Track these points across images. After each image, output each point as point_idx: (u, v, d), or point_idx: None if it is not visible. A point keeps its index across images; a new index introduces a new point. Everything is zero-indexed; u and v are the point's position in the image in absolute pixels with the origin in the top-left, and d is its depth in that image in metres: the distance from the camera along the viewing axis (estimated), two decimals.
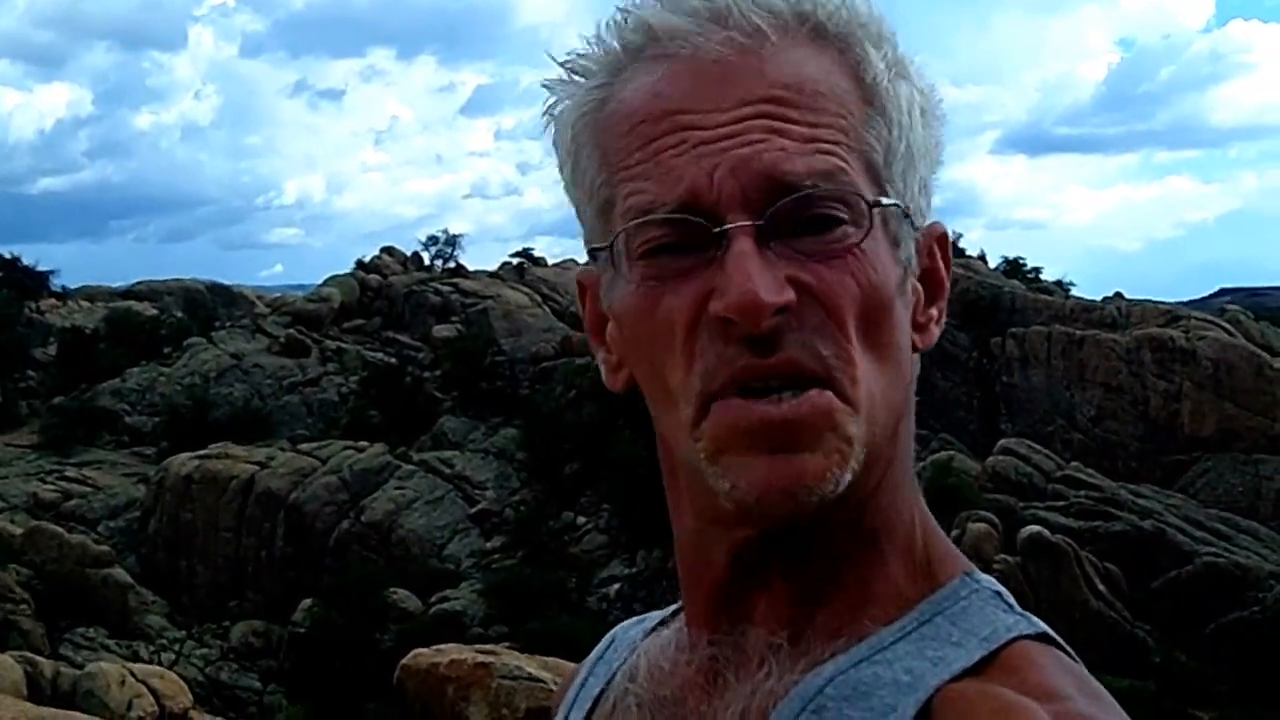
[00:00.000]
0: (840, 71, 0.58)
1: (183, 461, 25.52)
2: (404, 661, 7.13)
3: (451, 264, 35.81)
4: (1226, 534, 23.03)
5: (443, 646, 7.57)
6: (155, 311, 35.99)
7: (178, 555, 24.92)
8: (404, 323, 33.55)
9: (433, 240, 36.45)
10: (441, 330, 31.96)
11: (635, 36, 0.59)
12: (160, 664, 16.49)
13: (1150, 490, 24.30)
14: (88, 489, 26.57)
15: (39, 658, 11.16)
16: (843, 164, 0.56)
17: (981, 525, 20.81)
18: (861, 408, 0.56)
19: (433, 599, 22.52)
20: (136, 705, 9.17)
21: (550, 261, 38.78)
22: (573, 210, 0.63)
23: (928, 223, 0.61)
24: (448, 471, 25.92)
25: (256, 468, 25.32)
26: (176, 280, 42.12)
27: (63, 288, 39.49)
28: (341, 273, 35.60)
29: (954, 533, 20.23)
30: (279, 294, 43.88)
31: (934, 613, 0.58)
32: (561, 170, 0.63)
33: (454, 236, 36.72)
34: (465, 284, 34.46)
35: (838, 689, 0.56)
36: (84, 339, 32.33)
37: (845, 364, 0.55)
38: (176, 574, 24.77)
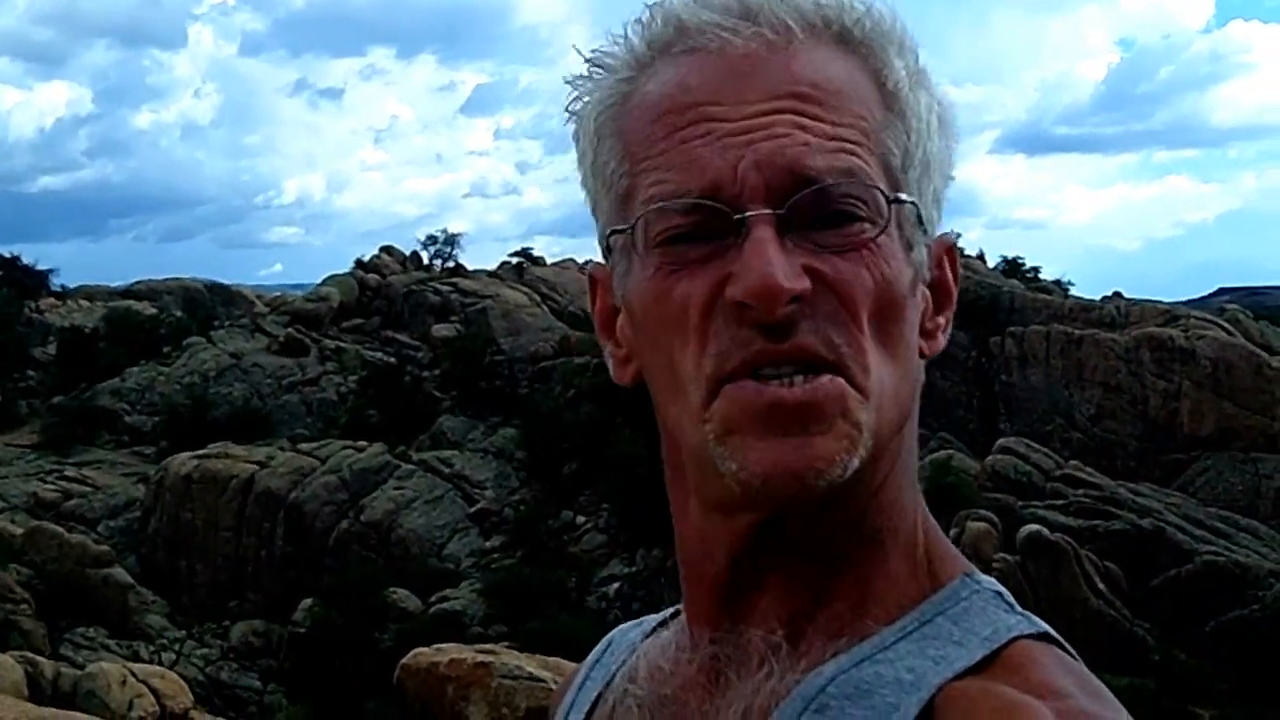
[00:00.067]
0: (863, 75, 0.59)
1: (182, 461, 25.52)
2: (404, 661, 7.13)
3: (451, 263, 35.80)
4: (1226, 532, 23.05)
5: (442, 646, 7.57)
6: (154, 311, 35.97)
7: (178, 555, 24.92)
8: (403, 322, 33.54)
9: (432, 240, 36.49)
10: (441, 330, 31.96)
11: (663, 31, 0.59)
12: (161, 664, 16.49)
13: (1149, 489, 24.32)
14: (88, 489, 26.56)
15: (39, 658, 11.16)
16: (863, 163, 0.57)
17: (981, 524, 20.83)
18: (872, 396, 0.56)
19: (432, 598, 22.53)
20: (137, 705, 9.17)
21: (549, 261, 38.77)
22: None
23: (938, 233, 0.62)
24: (447, 471, 25.92)
25: (256, 467, 25.32)
26: (176, 279, 42.11)
27: (62, 287, 39.48)
28: (341, 272, 35.59)
29: (953, 532, 20.26)
30: (278, 293, 43.87)
31: (935, 612, 0.59)
32: (580, 163, 0.63)
33: (453, 236, 36.77)
34: (464, 283, 34.45)
35: (840, 688, 0.56)
36: (83, 338, 32.31)
37: (857, 353, 0.56)
38: (176, 574, 24.77)
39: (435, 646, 7.47)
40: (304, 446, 26.54)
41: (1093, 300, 31.75)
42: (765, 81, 0.57)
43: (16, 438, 28.96)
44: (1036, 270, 34.66)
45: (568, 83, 0.62)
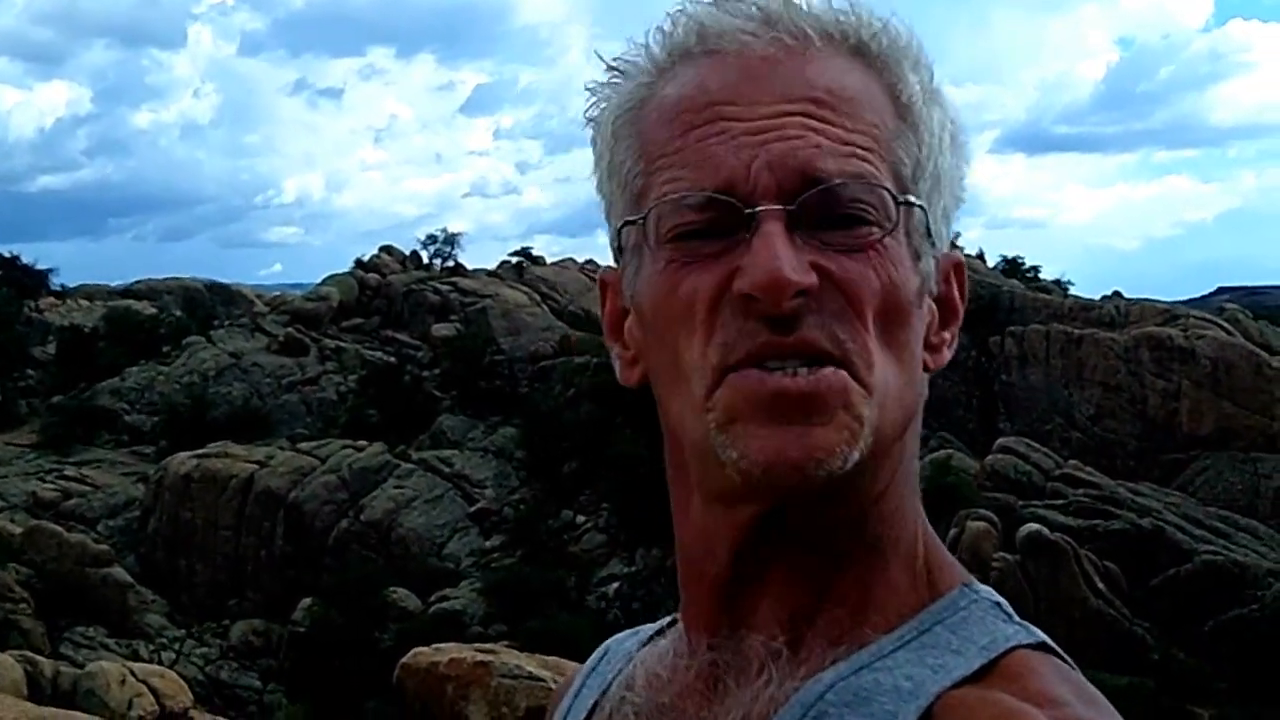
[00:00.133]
0: (877, 87, 0.60)
1: (182, 460, 25.51)
2: (403, 660, 7.13)
3: (450, 263, 35.80)
4: (1225, 532, 23.06)
5: (442, 645, 7.57)
6: (154, 310, 35.97)
7: (177, 554, 24.92)
8: (403, 322, 33.54)
9: (431, 239, 36.49)
10: (440, 329, 31.96)
11: (684, 38, 0.61)
12: (160, 663, 16.49)
13: (1149, 488, 24.33)
14: (87, 488, 26.56)
15: (39, 657, 11.16)
16: (873, 169, 0.58)
17: (980, 524, 20.82)
18: (875, 393, 0.56)
19: (432, 598, 22.53)
20: (137, 704, 9.17)
21: (549, 260, 38.78)
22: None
23: (945, 249, 0.63)
24: (447, 470, 25.92)
25: (256, 467, 25.32)
26: (175, 279, 42.10)
27: (62, 286, 39.48)
28: (340, 271, 35.58)
29: (953, 531, 20.26)
30: (278, 293, 43.86)
31: (934, 622, 0.59)
32: (597, 166, 0.64)
33: (453, 235, 36.77)
34: (464, 283, 34.45)
35: (838, 695, 0.57)
36: (83, 338, 32.30)
37: (861, 350, 0.56)
38: (176, 573, 24.77)
39: (435, 646, 7.47)
40: (304, 446, 26.54)
41: (1092, 300, 31.76)
42: (781, 84, 0.58)
43: (16, 437, 28.95)
44: (1036, 270, 34.71)
45: (588, 89, 0.63)
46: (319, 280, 35.92)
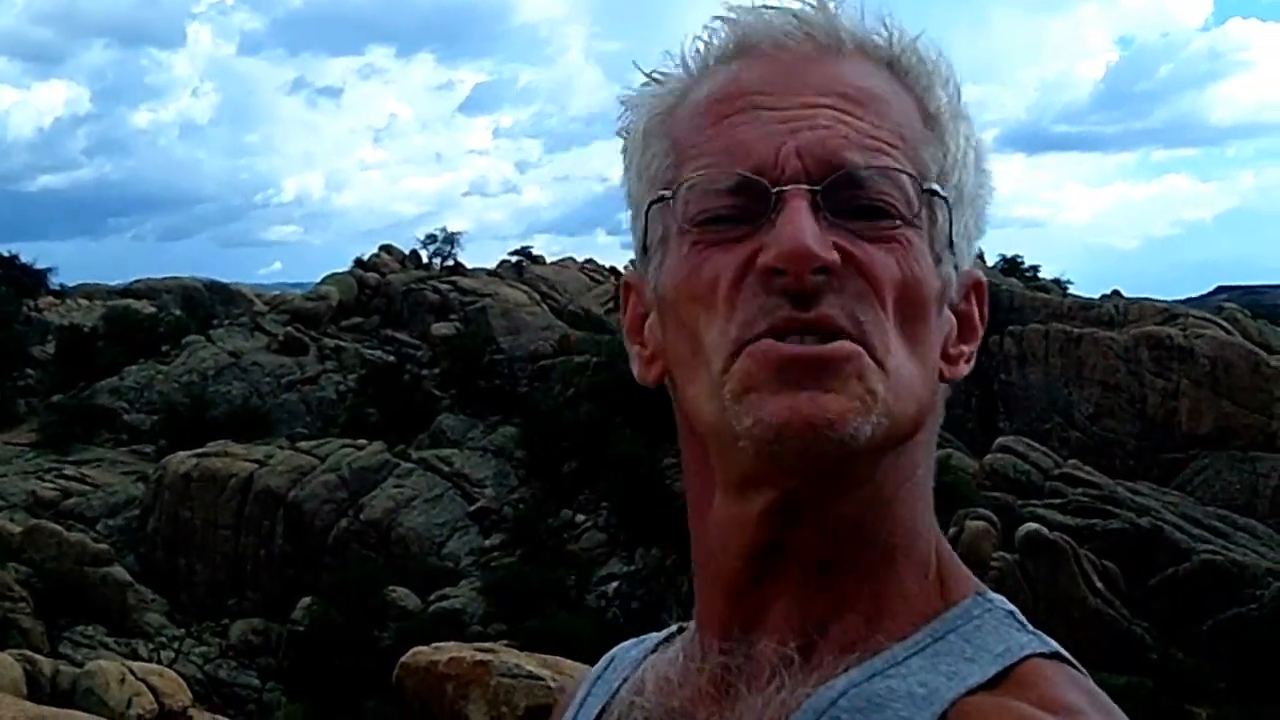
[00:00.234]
0: (907, 96, 0.62)
1: (181, 460, 25.51)
2: (403, 659, 7.13)
3: (450, 262, 35.80)
4: (1224, 531, 23.07)
5: (442, 644, 7.58)
6: (153, 309, 35.95)
7: (177, 553, 24.92)
8: (402, 321, 33.53)
9: (431, 238, 36.49)
10: (440, 328, 31.95)
11: (722, 42, 0.63)
12: (159, 662, 16.49)
13: (1148, 488, 24.34)
14: (86, 487, 26.55)
15: (38, 656, 11.15)
16: (899, 164, 0.59)
17: (979, 523, 20.83)
18: (890, 374, 0.57)
19: (432, 597, 22.53)
20: (136, 703, 9.17)
21: (549, 260, 38.78)
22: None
23: (967, 267, 0.63)
24: (446, 469, 25.92)
25: (255, 466, 25.32)
26: (175, 278, 42.08)
27: (61, 286, 39.46)
28: (340, 270, 35.58)
29: (951, 531, 20.25)
30: (277, 292, 43.86)
31: (947, 630, 0.59)
32: (626, 174, 0.64)
33: (452, 234, 36.77)
34: (464, 282, 34.44)
35: (851, 701, 0.56)
36: (82, 337, 32.28)
37: (879, 332, 0.57)
38: (175, 572, 24.76)
39: (434, 645, 7.47)
40: (303, 445, 26.53)
41: (1091, 299, 31.77)
42: (813, 79, 0.60)
43: (15, 436, 28.94)
44: (1035, 269, 34.71)
45: (621, 102, 0.65)
46: (318, 279, 35.91)
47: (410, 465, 25.77)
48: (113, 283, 42.18)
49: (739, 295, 0.57)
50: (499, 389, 28.79)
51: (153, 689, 9.39)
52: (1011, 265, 34.03)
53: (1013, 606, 0.62)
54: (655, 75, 0.64)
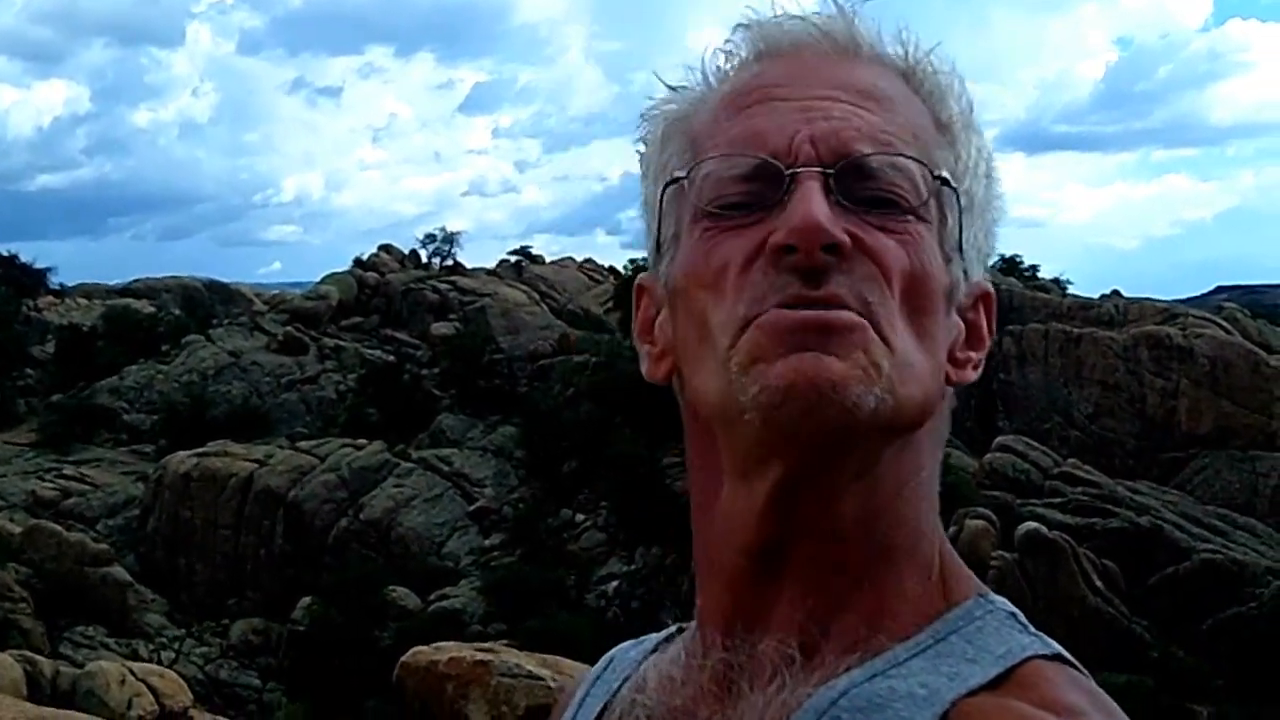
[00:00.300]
0: (920, 104, 0.63)
1: (181, 459, 25.51)
2: (403, 659, 7.13)
3: (449, 261, 35.82)
4: (1223, 530, 23.09)
5: (442, 644, 7.58)
6: (153, 309, 35.95)
7: (177, 553, 24.92)
8: (402, 320, 33.54)
9: (431, 238, 36.51)
10: (439, 328, 31.96)
11: (741, 47, 0.64)
12: (160, 662, 16.50)
13: (1147, 487, 24.35)
14: (86, 487, 26.55)
15: (38, 657, 11.15)
16: (910, 154, 0.60)
17: (979, 522, 20.84)
18: (896, 353, 0.57)
19: (432, 596, 22.54)
20: (136, 704, 9.17)
21: (548, 259, 38.79)
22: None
23: (977, 277, 0.64)
24: (446, 469, 25.92)
25: (255, 466, 25.32)
26: (174, 278, 42.09)
27: (60, 285, 39.45)
28: (340, 270, 35.58)
29: (951, 530, 20.12)
30: (277, 291, 43.88)
31: (949, 631, 0.59)
32: (643, 179, 0.65)
33: (452, 234, 36.81)
34: (463, 281, 34.45)
35: (852, 701, 0.57)
36: (82, 337, 32.28)
37: (887, 314, 0.57)
38: (176, 572, 24.76)
39: (434, 645, 7.47)
40: (303, 445, 26.54)
41: (1091, 298, 31.78)
42: (829, 76, 0.61)
43: (15, 436, 28.94)
44: (1035, 268, 34.71)
45: (641, 116, 0.66)
46: (318, 279, 35.92)
47: (410, 465, 25.77)
48: (112, 282, 42.22)
49: (749, 277, 0.58)
50: (499, 389, 28.79)
51: (153, 690, 9.39)
52: (1011, 265, 34.03)
53: (1014, 608, 0.62)
54: (676, 87, 0.65)
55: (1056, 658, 0.59)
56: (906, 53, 0.63)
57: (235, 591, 24.23)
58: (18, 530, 22.75)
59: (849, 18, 0.63)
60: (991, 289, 0.65)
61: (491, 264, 37.09)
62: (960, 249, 0.61)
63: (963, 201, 0.61)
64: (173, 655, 21.17)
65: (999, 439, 24.95)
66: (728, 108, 0.62)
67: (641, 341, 0.65)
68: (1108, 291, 33.47)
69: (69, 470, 27.08)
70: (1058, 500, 22.77)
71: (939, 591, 0.61)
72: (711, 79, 0.64)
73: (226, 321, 34.34)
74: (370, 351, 31.67)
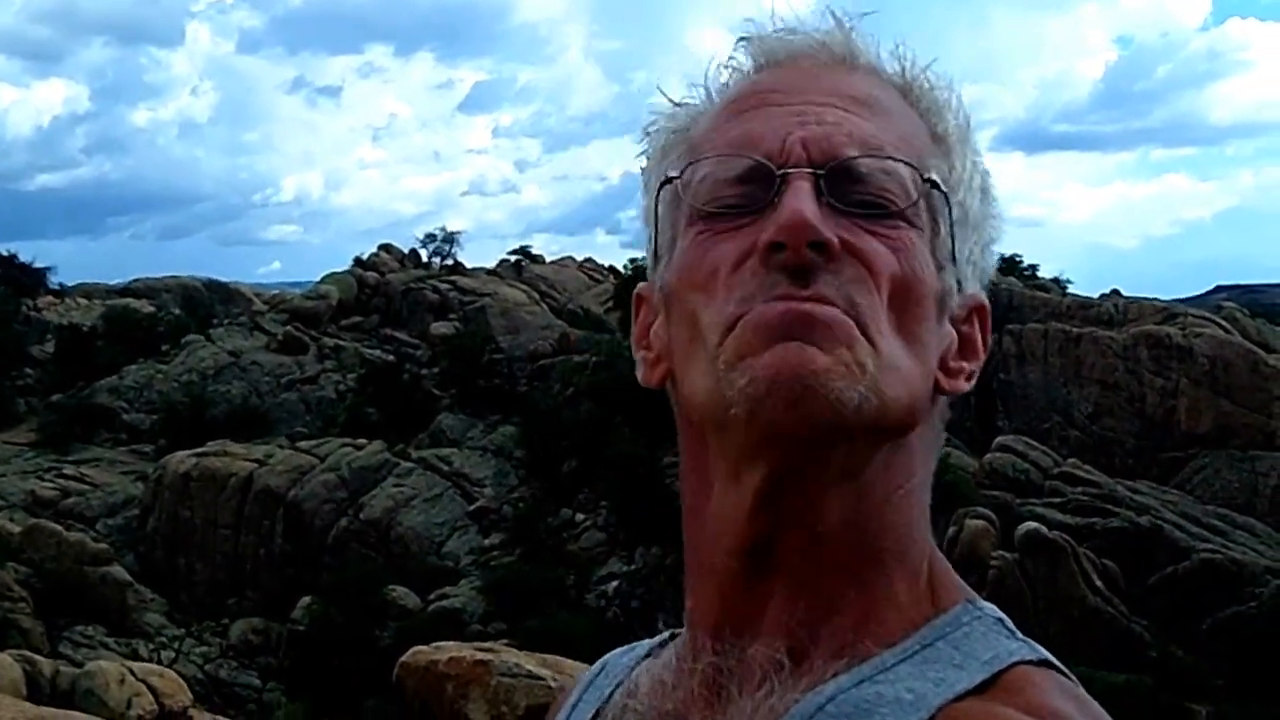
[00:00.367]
0: (916, 116, 0.64)
1: (181, 459, 25.51)
2: (403, 659, 7.13)
3: (449, 261, 35.82)
4: (1223, 530, 23.10)
5: (442, 644, 7.58)
6: (153, 309, 35.96)
7: (176, 553, 24.92)
8: (402, 320, 33.54)
9: (431, 237, 36.52)
10: (439, 327, 31.96)
11: (743, 60, 0.65)
12: (159, 662, 16.49)
13: (1147, 487, 24.36)
14: (86, 487, 26.55)
15: (38, 656, 11.15)
16: (900, 157, 0.61)
17: (979, 522, 20.85)
18: (882, 354, 0.57)
19: (432, 596, 22.54)
20: (136, 704, 9.17)
21: (548, 259, 38.79)
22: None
23: (971, 289, 0.64)
24: (446, 469, 25.92)
25: (255, 465, 25.32)
26: (174, 277, 42.10)
27: (60, 285, 39.45)
28: (339, 270, 35.59)
29: (951, 529, 20.27)
30: (277, 291, 43.89)
31: (936, 637, 0.59)
32: (644, 192, 0.66)
33: (452, 234, 36.82)
34: (463, 281, 34.46)
35: (838, 707, 0.57)
36: (81, 336, 32.29)
37: (873, 316, 0.58)
38: (175, 572, 24.77)
39: (434, 644, 7.47)
40: (303, 444, 26.54)
41: (1091, 298, 31.79)
42: (825, 83, 0.62)
43: (14, 436, 28.94)
44: (1034, 268, 34.71)
45: (644, 130, 0.67)
46: (318, 279, 35.92)
47: (410, 465, 25.77)
48: (112, 282, 42.25)
49: (738, 277, 0.58)
50: (498, 388, 28.80)
51: (153, 689, 9.39)
52: (1010, 264, 34.04)
53: (1002, 614, 0.62)
54: (678, 102, 0.66)
55: (1043, 663, 0.59)
56: (904, 67, 0.64)
57: (235, 591, 24.23)
58: (17, 530, 22.74)
59: (846, 31, 0.64)
60: (986, 302, 0.65)
61: (491, 264, 37.12)
62: (954, 259, 0.62)
63: (956, 213, 0.62)
64: (172, 655, 21.16)
65: (999, 439, 24.96)
66: (724, 113, 0.63)
67: (638, 348, 0.66)
68: (1107, 291, 33.48)
69: (69, 470, 27.08)
70: (1057, 500, 22.78)
71: (927, 597, 0.61)
72: (714, 94, 0.65)
73: (226, 321, 34.34)
74: (370, 351, 31.66)
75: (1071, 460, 24.50)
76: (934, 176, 0.60)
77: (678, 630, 0.67)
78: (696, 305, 0.59)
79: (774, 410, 0.56)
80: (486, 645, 8.19)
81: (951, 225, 0.61)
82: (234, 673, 22.12)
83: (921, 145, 0.62)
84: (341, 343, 32.12)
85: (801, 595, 0.60)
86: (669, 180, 0.62)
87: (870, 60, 0.64)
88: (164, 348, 32.01)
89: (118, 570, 22.68)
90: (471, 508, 25.11)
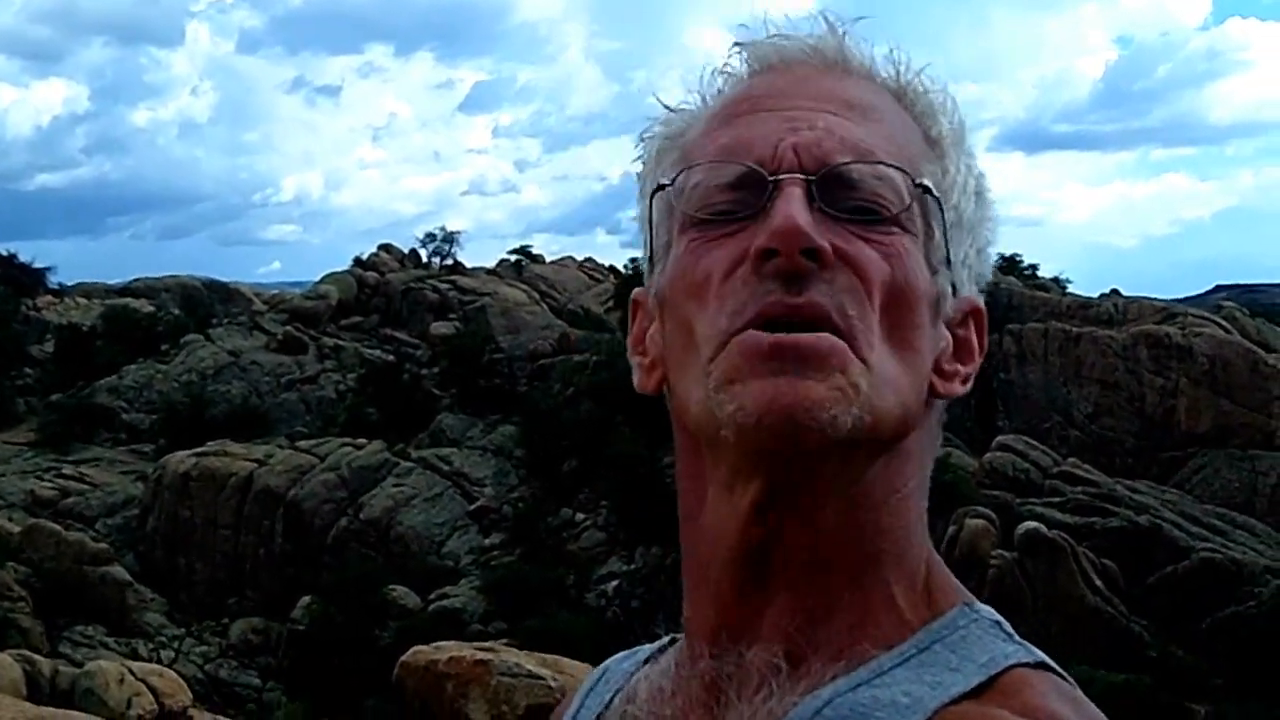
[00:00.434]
0: (910, 119, 0.64)
1: (180, 459, 25.50)
2: (403, 659, 7.14)
3: (449, 261, 35.82)
4: (1222, 529, 23.10)
5: (442, 644, 7.58)
6: (152, 309, 35.93)
7: (176, 553, 24.91)
8: (402, 320, 33.53)
9: (430, 237, 36.52)
10: (439, 327, 31.95)
11: (738, 66, 0.65)
12: (159, 662, 16.49)
13: (1146, 486, 24.36)
14: (85, 487, 26.54)
15: (38, 656, 11.15)
16: (892, 162, 0.60)
17: (979, 521, 20.85)
18: (874, 370, 0.57)
19: (431, 596, 22.54)
20: (135, 703, 9.17)
21: (548, 259, 38.79)
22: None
23: (967, 293, 0.64)
24: (446, 469, 25.92)
25: (255, 465, 25.31)
26: (173, 277, 42.08)
27: (60, 285, 39.42)
28: (339, 270, 35.58)
29: (951, 529, 20.27)
30: (276, 291, 43.88)
31: (933, 640, 0.59)
32: (640, 197, 0.66)
33: (452, 233, 36.81)
34: (463, 281, 34.45)
35: (836, 710, 0.57)
36: (81, 336, 32.28)
37: (866, 329, 0.57)
38: (175, 571, 24.76)
39: (434, 644, 7.48)
40: (303, 444, 26.53)
41: (1090, 298, 31.81)
42: (817, 88, 0.62)
43: (14, 435, 28.93)
44: (1034, 267, 34.74)
45: (640, 137, 0.67)
46: (318, 278, 35.91)
47: (410, 464, 25.77)
48: (111, 282, 42.21)
49: (731, 285, 0.58)
50: (498, 388, 28.79)
51: (152, 689, 9.39)
52: (1010, 264, 34.06)
53: (999, 617, 0.62)
54: (674, 108, 0.66)
55: (1040, 666, 0.59)
56: (898, 71, 0.64)
57: (235, 591, 24.23)
58: (17, 530, 22.74)
59: (839, 36, 0.64)
60: (982, 305, 0.65)
61: (491, 263, 37.11)
62: (948, 262, 0.61)
63: (950, 216, 0.61)
64: (172, 655, 21.16)
65: (998, 438, 24.96)
66: (717, 119, 0.63)
67: (634, 354, 0.66)
68: (1107, 290, 33.51)
69: (68, 470, 27.07)
70: (1057, 499, 22.78)
71: (924, 601, 0.61)
72: (708, 99, 0.65)
73: (226, 321, 34.33)
74: (370, 351, 31.66)
75: (1071, 460, 24.51)
76: (926, 182, 0.60)
77: (677, 635, 0.67)
78: (691, 313, 0.59)
79: (763, 440, 0.57)
80: (486, 645, 8.19)
81: (945, 229, 0.61)
82: (234, 672, 22.12)
83: (915, 149, 0.62)
84: (341, 343, 32.11)
85: (798, 601, 0.60)
86: (661, 187, 0.62)
87: (863, 64, 0.64)
88: (164, 347, 32.00)
89: (117, 570, 22.68)
90: (471, 507, 25.10)
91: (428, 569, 23.40)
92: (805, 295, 0.57)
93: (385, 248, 37.03)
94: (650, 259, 0.65)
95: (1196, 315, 29.23)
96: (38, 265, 38.50)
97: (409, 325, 33.18)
